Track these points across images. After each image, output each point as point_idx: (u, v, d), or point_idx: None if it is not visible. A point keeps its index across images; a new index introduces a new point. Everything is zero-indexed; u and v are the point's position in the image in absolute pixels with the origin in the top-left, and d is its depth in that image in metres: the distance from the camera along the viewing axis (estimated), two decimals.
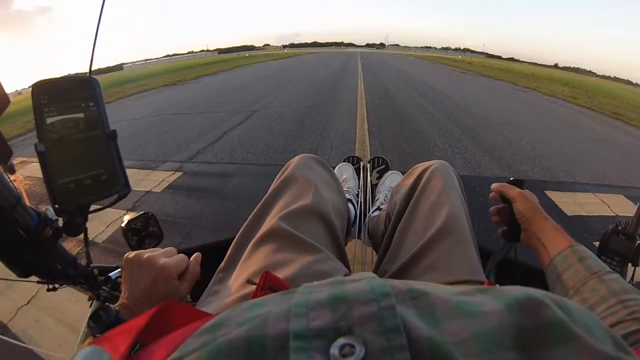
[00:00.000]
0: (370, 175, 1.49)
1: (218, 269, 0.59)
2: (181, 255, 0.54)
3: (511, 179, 0.68)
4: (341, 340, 0.19)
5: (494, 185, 0.69)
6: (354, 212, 1.20)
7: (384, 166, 1.53)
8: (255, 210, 0.67)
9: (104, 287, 0.58)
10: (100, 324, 0.42)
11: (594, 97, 10.72)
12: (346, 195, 1.26)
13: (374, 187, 1.46)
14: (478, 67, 22.11)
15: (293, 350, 0.19)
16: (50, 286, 0.54)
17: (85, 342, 0.40)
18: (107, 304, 0.47)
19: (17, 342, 0.58)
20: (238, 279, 0.53)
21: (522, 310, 0.21)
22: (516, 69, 25.68)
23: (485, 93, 9.71)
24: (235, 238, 0.63)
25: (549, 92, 10.70)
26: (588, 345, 0.19)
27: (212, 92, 8.86)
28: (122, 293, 0.50)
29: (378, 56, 38.86)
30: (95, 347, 0.25)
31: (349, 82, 10.05)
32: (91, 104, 0.48)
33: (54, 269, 0.51)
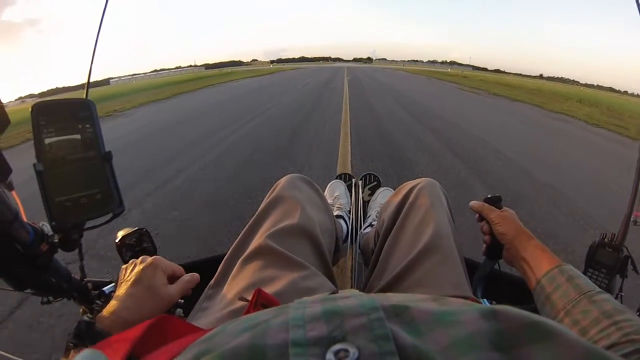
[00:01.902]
0: (362, 192, 1.50)
1: (208, 285, 0.60)
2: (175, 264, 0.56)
3: (488, 196, 0.69)
4: (336, 346, 0.20)
5: (472, 204, 0.71)
6: (346, 229, 1.21)
7: (375, 183, 1.55)
8: (244, 229, 0.69)
9: (97, 302, 0.60)
10: (82, 336, 0.42)
11: (633, 120, 8.78)
12: (338, 212, 1.27)
13: (365, 203, 1.47)
14: (481, 83, 20.15)
15: (292, 356, 0.20)
16: (45, 299, 0.55)
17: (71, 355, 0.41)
18: (85, 317, 0.47)
19: (6, 354, 0.58)
20: (227, 295, 0.55)
21: (497, 316, 0.23)
22: (517, 83, 24.05)
23: (528, 131, 6.38)
24: (225, 256, 0.64)
25: (585, 118, 8.39)
26: (568, 341, 0.20)
27: (123, 137, 5.29)
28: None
29: (367, 72, 33.45)
30: (95, 351, 0.26)
31: (330, 112, 6.47)
32: (87, 125, 0.50)
33: (49, 283, 0.52)
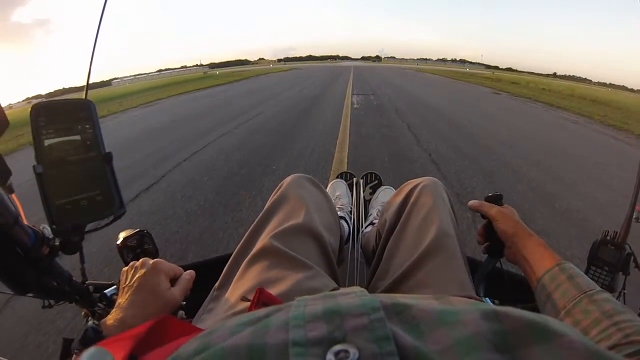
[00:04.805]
0: (364, 191, 1.50)
1: (213, 287, 0.60)
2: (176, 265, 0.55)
3: (489, 194, 0.68)
4: (337, 347, 0.20)
5: (471, 203, 0.69)
6: (347, 229, 1.20)
7: (376, 181, 1.54)
8: (249, 229, 0.68)
9: (99, 304, 0.59)
10: (88, 343, 0.42)
11: None
12: (339, 212, 1.26)
13: (367, 202, 1.47)
14: (529, 90, 13.45)
15: (293, 356, 0.20)
16: (47, 303, 0.55)
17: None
18: (92, 323, 0.47)
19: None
20: (232, 296, 0.55)
21: (498, 316, 0.22)
22: (593, 94, 15.71)
23: None
24: (231, 256, 0.64)
25: None
26: (569, 342, 0.20)
27: None
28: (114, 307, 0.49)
29: (381, 74, 23.50)
30: (100, 349, 0.26)
31: None
32: (87, 126, 0.49)
33: (51, 286, 0.52)
